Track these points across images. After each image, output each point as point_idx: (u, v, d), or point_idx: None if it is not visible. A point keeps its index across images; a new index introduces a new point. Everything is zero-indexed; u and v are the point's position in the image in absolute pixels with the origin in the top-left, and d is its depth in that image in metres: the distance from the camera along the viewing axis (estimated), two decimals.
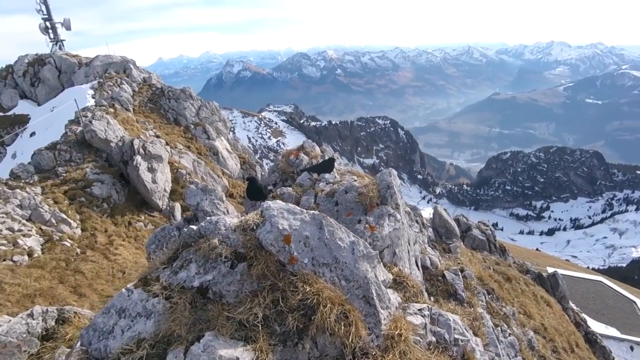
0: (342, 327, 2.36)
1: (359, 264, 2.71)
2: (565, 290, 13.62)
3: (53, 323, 3.53)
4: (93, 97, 23.46)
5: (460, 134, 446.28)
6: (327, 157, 5.35)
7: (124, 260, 12.47)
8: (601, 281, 51.65)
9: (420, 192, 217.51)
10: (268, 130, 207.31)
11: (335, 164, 7.70)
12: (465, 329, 3.01)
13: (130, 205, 16.00)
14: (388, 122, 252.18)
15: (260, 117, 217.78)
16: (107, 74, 28.23)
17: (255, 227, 2.78)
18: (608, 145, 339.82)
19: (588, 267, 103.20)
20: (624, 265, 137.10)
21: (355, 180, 4.53)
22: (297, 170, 5.72)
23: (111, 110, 21.99)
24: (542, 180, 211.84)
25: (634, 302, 45.69)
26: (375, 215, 3.98)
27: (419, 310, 3.04)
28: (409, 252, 4.29)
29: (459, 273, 6.42)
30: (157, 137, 22.18)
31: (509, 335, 6.75)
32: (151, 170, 16.96)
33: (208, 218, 2.95)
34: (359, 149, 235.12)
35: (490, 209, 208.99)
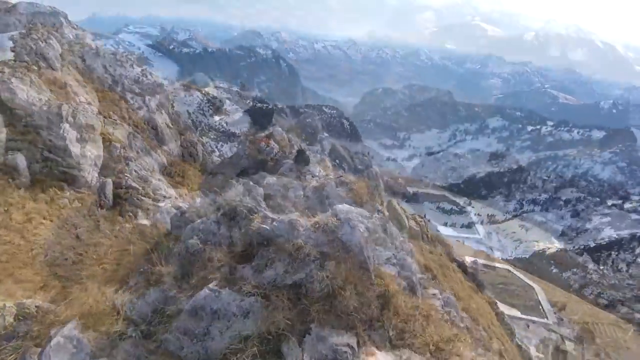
0: (356, 302, 2.77)
1: (407, 256, 3.32)
2: (482, 277, 15.61)
3: (12, 320, 3.22)
4: (13, 51, 18.06)
5: (339, 69, 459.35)
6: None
7: (45, 241, 10.71)
8: (508, 268, 57.72)
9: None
10: (207, 104, 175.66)
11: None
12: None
13: (54, 180, 13.47)
14: (270, 52, 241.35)
15: (204, 92, 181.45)
16: (31, 25, 21.54)
17: (334, 228, 2.96)
18: (457, 86, 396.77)
19: (499, 258, 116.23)
20: (527, 256, 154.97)
21: (341, 176, 5.18)
22: (268, 158, 5.96)
23: (35, 68, 17.45)
24: (405, 114, 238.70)
25: (533, 287, 51.86)
26: (366, 210, 4.71)
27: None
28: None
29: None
30: (89, 104, 18.59)
31: (455, 318, 7.85)
32: (81, 141, 14.85)
33: (279, 218, 3.03)
34: (239, 80, 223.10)
35: (364, 140, 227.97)
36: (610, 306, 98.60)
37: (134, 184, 15.21)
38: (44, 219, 11.76)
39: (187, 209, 5.42)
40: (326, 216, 3.11)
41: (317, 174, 5.32)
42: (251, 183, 3.98)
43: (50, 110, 14.45)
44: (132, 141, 19.43)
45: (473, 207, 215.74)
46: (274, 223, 3.00)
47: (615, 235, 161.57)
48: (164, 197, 15.51)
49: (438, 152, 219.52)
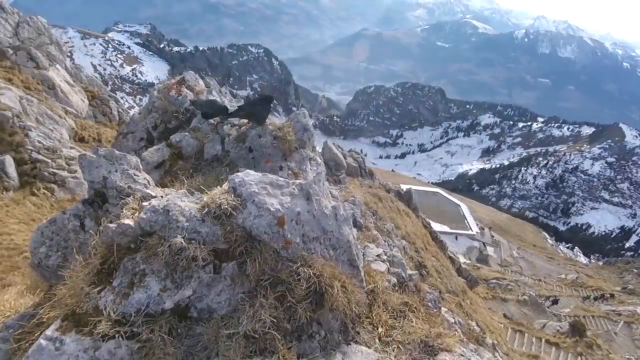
0: (345, 299, 2.21)
1: (343, 228, 2.51)
2: (416, 201, 16.24)
3: None
4: None
5: (332, 66, 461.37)
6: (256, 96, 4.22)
7: None
8: (438, 192, 65.59)
9: None
10: (119, 55, 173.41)
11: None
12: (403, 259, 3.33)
13: None
14: (262, 50, 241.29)
15: (106, 38, 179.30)
16: None
17: (232, 211, 2.17)
18: (449, 83, 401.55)
19: (429, 182, 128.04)
20: (453, 178, 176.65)
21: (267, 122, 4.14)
22: (181, 109, 4.87)
23: None
24: (398, 112, 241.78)
25: (459, 205, 59.93)
26: (296, 160, 3.74)
27: (377, 256, 3.13)
28: (323, 192, 4.33)
29: (356, 203, 7.02)
30: None
31: (394, 247, 7.88)
32: None
33: (149, 205, 2.10)
34: (231, 79, 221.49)
35: (356, 137, 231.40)
36: (520, 214, 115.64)
37: (40, 157, 13.39)
38: None
39: None
40: (220, 192, 2.30)
41: (236, 122, 4.25)
42: (116, 152, 2.70)
43: None
44: (27, 106, 16.78)
45: (405, 138, 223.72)
46: (143, 214, 2.09)
47: (525, 153, 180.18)
48: None
49: (430, 150, 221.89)
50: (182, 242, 1.92)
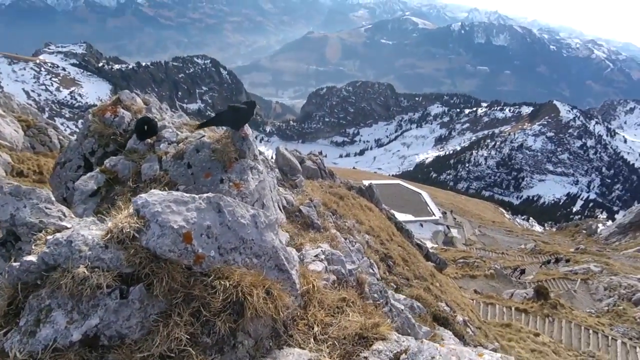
0: (271, 305, 2.20)
1: (265, 235, 2.47)
2: (379, 195, 16.62)
3: None
4: None
5: (282, 72, 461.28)
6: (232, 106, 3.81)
7: None
8: (399, 183, 67.63)
9: (252, 132, 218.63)
10: (54, 79, 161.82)
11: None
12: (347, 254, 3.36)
13: None
14: (209, 61, 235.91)
15: (38, 61, 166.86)
16: None
17: (136, 234, 2.10)
18: (397, 79, 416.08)
19: (389, 175, 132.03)
20: (412, 169, 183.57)
21: (204, 136, 4.04)
22: (119, 131, 4.66)
23: None
24: (352, 110, 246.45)
25: (420, 193, 62.12)
26: (236, 171, 3.67)
27: (315, 256, 3.11)
28: (272, 199, 4.30)
29: (312, 205, 7.08)
30: None
31: (355, 244, 8.01)
32: None
33: (52, 238, 2.01)
34: (180, 93, 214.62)
35: (315, 140, 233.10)
36: (477, 194, 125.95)
37: None
38: None
39: None
40: (124, 216, 2.24)
41: (174, 139, 4.12)
42: (23, 187, 2.58)
43: None
44: None
45: (362, 135, 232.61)
46: (46, 248, 2.01)
47: (474, 137, 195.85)
48: None
49: (387, 144, 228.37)
50: (85, 271, 1.87)
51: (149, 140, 4.25)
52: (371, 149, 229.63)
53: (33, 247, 2.12)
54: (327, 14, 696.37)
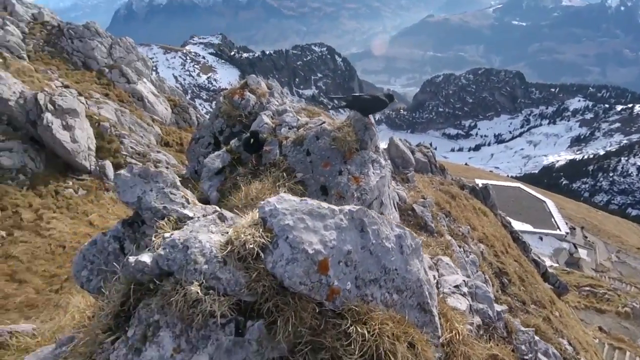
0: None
1: (410, 264, 2.01)
2: (494, 198, 14.80)
3: None
4: None
5: (396, 58, 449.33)
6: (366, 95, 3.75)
7: (61, 233, 10.93)
8: (519, 187, 60.01)
9: None
10: (196, 66, 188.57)
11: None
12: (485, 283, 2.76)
13: (52, 172, 13.52)
14: (325, 49, 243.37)
15: (184, 51, 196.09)
16: None
17: (260, 252, 1.79)
18: (528, 66, 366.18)
19: (508, 176, 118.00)
20: (537, 172, 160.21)
21: (324, 122, 3.85)
22: (245, 112, 4.85)
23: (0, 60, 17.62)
24: (470, 100, 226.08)
25: (544, 201, 54.14)
26: (356, 163, 3.39)
27: (456, 287, 2.46)
28: (389, 195, 3.94)
29: (427, 205, 6.46)
30: (66, 87, 18.48)
31: (470, 254, 7.12)
32: (67, 127, 14.16)
33: (169, 238, 1.85)
34: (297, 80, 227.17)
35: (425, 130, 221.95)
36: (620, 212, 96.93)
37: (133, 161, 14.86)
38: (54, 212, 11.88)
39: None
40: (248, 224, 1.90)
41: (294, 124, 4.05)
42: (151, 168, 2.60)
43: (26, 103, 13.80)
44: (121, 117, 18.82)
45: (479, 128, 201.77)
46: (161, 250, 1.83)
47: (625, 140, 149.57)
48: (168, 166, 15.04)
49: (509, 140, 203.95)
50: (199, 292, 1.64)
51: (270, 123, 4.26)
52: (489, 144, 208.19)
53: (153, 238, 2.00)
54: None
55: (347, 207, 1.98)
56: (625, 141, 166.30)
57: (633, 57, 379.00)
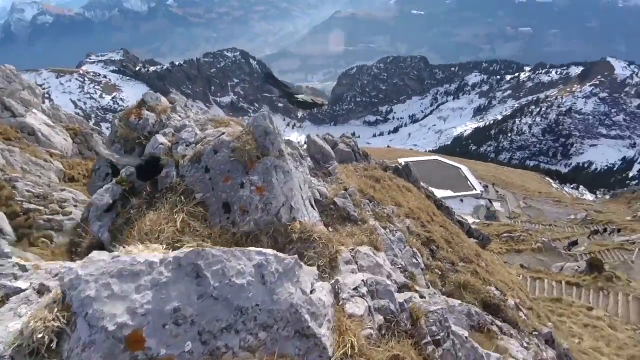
0: None
1: (278, 292, 1.79)
2: (416, 174, 15.68)
3: None
4: None
5: (311, 56, 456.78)
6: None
7: None
8: (436, 159, 65.46)
9: (284, 120, 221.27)
10: (97, 87, 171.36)
11: (193, 111, 6.44)
12: (390, 270, 2.79)
13: None
14: (238, 54, 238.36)
15: (81, 72, 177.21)
16: None
17: (54, 339, 1.40)
18: (431, 50, 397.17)
19: (426, 151, 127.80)
20: (449, 143, 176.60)
21: (224, 134, 3.69)
22: (143, 134, 4.43)
23: None
24: (384, 88, 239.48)
25: (459, 168, 59.75)
26: (259, 172, 3.27)
27: (355, 289, 2.31)
28: (302, 197, 3.89)
29: (347, 196, 6.64)
30: None
31: (397, 233, 7.45)
32: None
33: None
34: (213, 88, 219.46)
35: (347, 121, 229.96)
36: (521, 165, 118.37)
37: (32, 206, 13.10)
38: None
39: None
40: (47, 303, 1.51)
41: (191, 140, 3.81)
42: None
43: None
44: (10, 158, 16.71)
45: (395, 112, 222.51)
46: None
47: (517, 105, 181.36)
48: (76, 204, 13.47)
49: (422, 119, 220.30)
50: None
51: (166, 142, 4.00)
52: (405, 125, 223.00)
53: None
54: None
55: (172, 255, 1.69)
56: (517, 105, 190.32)
57: (514, 33, 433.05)
